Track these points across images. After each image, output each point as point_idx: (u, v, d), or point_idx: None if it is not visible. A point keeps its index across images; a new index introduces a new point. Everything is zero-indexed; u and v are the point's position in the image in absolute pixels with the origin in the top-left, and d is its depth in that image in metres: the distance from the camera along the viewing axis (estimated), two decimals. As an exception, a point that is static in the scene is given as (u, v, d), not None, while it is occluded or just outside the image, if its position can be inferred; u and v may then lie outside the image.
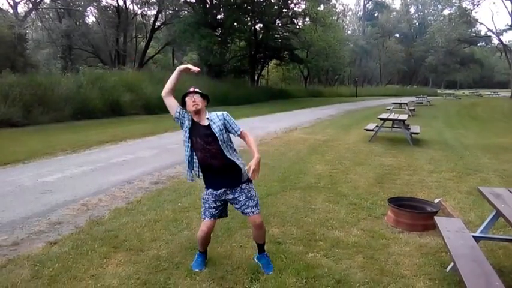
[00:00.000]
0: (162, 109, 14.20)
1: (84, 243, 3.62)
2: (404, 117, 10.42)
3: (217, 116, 2.99)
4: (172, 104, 3.00)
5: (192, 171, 3.07)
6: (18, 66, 22.92)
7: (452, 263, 3.02)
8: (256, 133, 10.93)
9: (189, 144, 2.98)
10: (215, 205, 3.05)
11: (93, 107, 14.61)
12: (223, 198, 3.04)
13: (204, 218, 3.07)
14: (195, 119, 2.98)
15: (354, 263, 3.33)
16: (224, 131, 2.95)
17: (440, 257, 3.47)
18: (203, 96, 3.02)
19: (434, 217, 3.57)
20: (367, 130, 10.46)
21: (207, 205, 3.06)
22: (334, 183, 5.87)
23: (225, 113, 3.02)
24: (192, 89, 3.01)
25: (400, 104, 20.74)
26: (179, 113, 2.99)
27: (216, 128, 2.92)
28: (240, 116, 14.13)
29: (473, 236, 3.08)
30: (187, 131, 2.98)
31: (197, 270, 3.12)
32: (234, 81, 29.94)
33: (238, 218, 4.19)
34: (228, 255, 3.41)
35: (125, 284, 2.91)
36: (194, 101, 2.94)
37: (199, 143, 2.93)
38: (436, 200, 4.76)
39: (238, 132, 3.00)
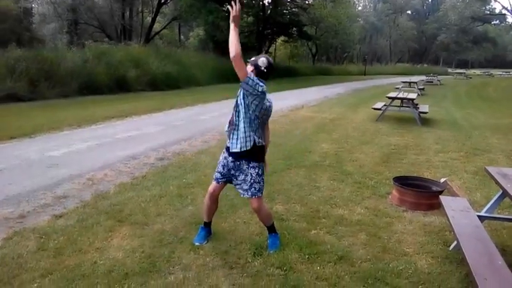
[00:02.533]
0: (168, 85, 14.17)
1: (89, 216, 3.66)
2: (413, 96, 10.29)
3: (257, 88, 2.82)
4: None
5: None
6: (24, 40, 22.90)
7: (455, 242, 3.02)
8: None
9: None
10: (222, 170, 3.08)
11: (99, 83, 14.58)
12: (230, 171, 3.04)
13: (212, 181, 3.17)
14: None
15: (356, 240, 3.35)
16: (244, 98, 2.85)
17: (443, 236, 3.47)
18: (251, 61, 2.99)
19: (439, 196, 3.55)
20: (374, 109, 10.35)
21: (217, 167, 3.12)
22: (339, 161, 5.85)
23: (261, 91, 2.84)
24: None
25: (410, 83, 20.46)
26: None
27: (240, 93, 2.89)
28: (247, 93, 14.04)
29: (478, 216, 3.07)
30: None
31: (198, 243, 3.16)
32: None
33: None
34: (231, 231, 3.44)
35: (129, 257, 2.95)
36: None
37: None
38: (442, 180, 4.73)
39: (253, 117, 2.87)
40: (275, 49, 43.36)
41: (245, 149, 2.90)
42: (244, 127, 2.88)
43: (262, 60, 2.93)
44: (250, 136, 2.89)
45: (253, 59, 2.98)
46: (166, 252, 3.03)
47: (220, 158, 3.11)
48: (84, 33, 30.43)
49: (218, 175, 3.11)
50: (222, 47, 27.01)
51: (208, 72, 21.30)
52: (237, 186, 3.09)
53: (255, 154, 2.96)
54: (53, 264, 2.83)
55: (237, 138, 2.91)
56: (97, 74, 14.70)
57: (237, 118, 2.91)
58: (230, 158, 3.01)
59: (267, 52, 37.19)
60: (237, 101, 2.92)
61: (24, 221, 3.60)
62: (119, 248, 3.08)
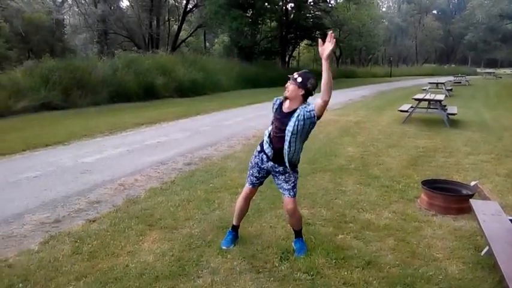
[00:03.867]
0: (194, 92, 14.38)
1: (121, 221, 3.78)
2: (441, 97, 10.07)
3: (305, 112, 2.86)
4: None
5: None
6: (57, 51, 23.80)
7: (487, 247, 2.96)
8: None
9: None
10: (258, 175, 3.16)
11: (128, 90, 14.96)
12: (269, 173, 3.13)
13: (246, 184, 3.24)
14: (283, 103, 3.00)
15: (384, 245, 3.32)
16: (302, 124, 2.86)
17: (475, 241, 3.39)
18: (299, 83, 2.88)
19: (470, 200, 3.48)
20: (401, 111, 10.19)
21: (251, 171, 3.18)
22: (365, 165, 5.80)
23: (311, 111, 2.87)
24: (294, 75, 2.93)
25: (437, 83, 19.99)
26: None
27: (293, 118, 2.87)
28: (270, 99, 14.09)
29: (510, 220, 2.99)
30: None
31: (225, 247, 3.22)
32: (265, 63, 29.69)
33: (269, 199, 4.25)
34: (258, 235, 3.48)
35: (159, 260, 3.03)
36: (286, 87, 2.93)
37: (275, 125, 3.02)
38: (472, 183, 4.62)
39: (313, 114, 2.87)
40: (298, 53, 43.30)
41: (293, 162, 3.01)
42: (300, 148, 2.99)
43: (311, 83, 2.91)
44: (300, 152, 3.02)
45: (299, 79, 2.88)
46: (194, 256, 3.09)
47: (254, 161, 3.14)
48: (114, 42, 31.33)
49: (254, 179, 3.18)
50: (246, 53, 27.37)
51: (233, 77, 21.50)
52: (279, 186, 3.13)
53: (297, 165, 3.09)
54: (87, 267, 2.94)
55: (290, 157, 2.96)
56: (126, 82, 15.09)
57: (292, 144, 2.92)
58: (271, 163, 3.06)
59: (290, 56, 37.18)
60: (295, 131, 2.87)
61: (59, 225, 3.76)
62: (150, 252, 3.17)
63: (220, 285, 2.71)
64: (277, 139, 2.97)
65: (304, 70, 3.02)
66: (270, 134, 3.06)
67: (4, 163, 6.01)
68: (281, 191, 3.13)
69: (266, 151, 3.05)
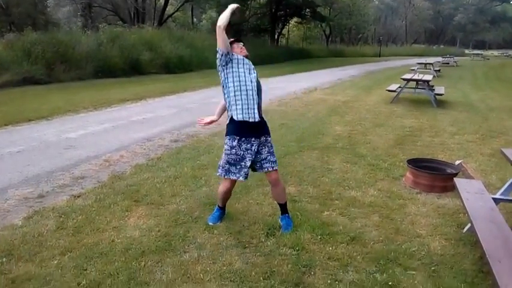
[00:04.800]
0: (181, 68, 14.20)
1: (106, 196, 3.75)
2: (428, 77, 10.10)
3: None
4: (226, 38, 2.97)
5: None
6: (39, 24, 23.06)
7: (469, 224, 3.01)
8: (276, 93, 10.84)
9: None
10: (249, 163, 3.02)
11: (113, 65, 14.68)
12: (256, 155, 3.03)
13: (232, 177, 3.15)
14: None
15: (369, 221, 3.36)
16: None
17: (457, 218, 3.46)
18: None
19: (454, 178, 3.52)
20: (389, 91, 10.22)
21: (242, 164, 3.02)
22: (352, 144, 5.83)
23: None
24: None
25: (425, 64, 20.04)
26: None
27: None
28: (260, 77, 13.97)
29: (492, 198, 3.04)
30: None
31: (212, 223, 3.22)
32: (254, 40, 29.27)
33: (256, 176, 4.22)
34: (245, 211, 3.49)
35: (146, 236, 3.03)
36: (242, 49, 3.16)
37: None
38: (457, 162, 4.69)
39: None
40: (288, 31, 42.80)
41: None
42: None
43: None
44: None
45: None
46: (181, 232, 3.09)
47: (239, 153, 2.98)
48: (98, 16, 30.45)
49: (247, 170, 3.02)
50: (235, 30, 26.88)
51: (221, 54, 21.17)
52: (264, 162, 3.04)
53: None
54: (72, 242, 2.92)
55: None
56: (111, 57, 14.79)
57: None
58: (257, 141, 2.99)
59: (280, 34, 36.75)
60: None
61: (43, 200, 3.71)
62: (136, 227, 3.16)
63: (206, 260, 2.72)
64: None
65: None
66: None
67: (-15, 138, 5.88)
68: (268, 166, 3.05)
69: (250, 120, 2.94)
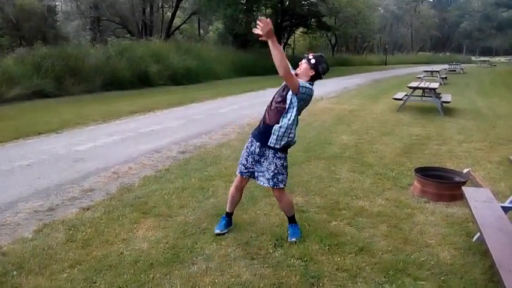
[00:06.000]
0: (189, 80, 14.28)
1: (115, 209, 3.78)
2: (435, 85, 10.09)
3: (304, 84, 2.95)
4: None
5: None
6: (49, 38, 23.44)
7: (478, 233, 2.99)
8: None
9: None
10: (245, 163, 3.13)
11: (122, 78, 14.84)
12: (255, 159, 3.08)
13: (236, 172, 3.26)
14: None
15: (377, 231, 3.35)
16: (298, 103, 2.95)
17: (466, 227, 3.43)
18: (312, 64, 3.01)
19: (462, 187, 3.50)
20: (395, 99, 10.20)
21: (241, 157, 3.18)
22: (359, 153, 5.82)
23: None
24: (309, 55, 3.06)
25: (432, 72, 19.99)
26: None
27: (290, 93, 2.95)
28: (266, 87, 14.05)
29: (501, 206, 3.02)
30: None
31: (218, 231, 3.23)
32: (260, 50, 29.33)
33: (263, 187, 4.25)
34: (252, 222, 3.49)
35: (154, 248, 3.04)
36: (300, 65, 3.06)
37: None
38: (465, 170, 4.66)
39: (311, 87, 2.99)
40: (294, 41, 43.00)
41: (280, 144, 2.98)
42: (292, 127, 2.96)
43: (323, 67, 3.02)
44: (291, 133, 2.98)
45: (313, 61, 2.99)
46: (189, 243, 3.11)
47: (246, 145, 3.17)
48: (107, 30, 30.87)
49: (242, 168, 3.16)
50: (241, 40, 27.12)
51: (228, 65, 21.35)
52: (260, 175, 3.09)
53: (285, 148, 3.04)
54: (81, 255, 2.94)
55: (277, 135, 2.95)
56: (120, 70, 14.96)
57: (283, 118, 2.94)
58: (258, 143, 3.05)
59: (286, 44, 36.92)
60: (288, 106, 2.93)
61: (53, 213, 3.75)
62: (144, 239, 3.18)
63: (214, 272, 2.73)
64: (272, 113, 3.00)
65: (320, 54, 3.11)
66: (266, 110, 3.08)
67: (-4, 151, 5.97)
68: (263, 181, 3.07)
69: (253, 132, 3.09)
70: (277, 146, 2.97)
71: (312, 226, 3.38)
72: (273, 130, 2.95)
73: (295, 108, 2.92)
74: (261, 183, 3.12)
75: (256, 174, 3.13)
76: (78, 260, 2.87)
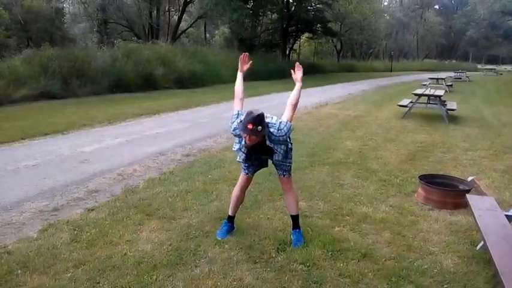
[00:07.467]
0: (194, 83, 14.34)
1: (119, 210, 3.80)
2: (440, 92, 10.08)
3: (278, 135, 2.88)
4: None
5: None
6: (56, 39, 23.67)
7: (482, 241, 2.98)
8: (287, 108, 10.87)
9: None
10: (247, 164, 3.18)
11: (128, 81, 14.89)
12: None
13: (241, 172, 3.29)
14: None
15: (381, 238, 3.35)
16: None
17: (470, 235, 3.42)
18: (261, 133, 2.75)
19: (466, 195, 3.50)
20: (400, 106, 10.20)
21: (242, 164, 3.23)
22: (364, 159, 5.82)
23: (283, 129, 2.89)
24: (250, 127, 2.67)
25: (437, 79, 19.96)
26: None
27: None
28: (271, 91, 14.09)
29: (506, 215, 3.02)
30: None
31: (220, 238, 3.24)
32: (265, 55, 29.55)
33: (267, 191, 4.28)
34: (255, 226, 3.50)
35: (157, 250, 3.06)
36: (249, 139, 2.75)
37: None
38: (469, 178, 4.64)
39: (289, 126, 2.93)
40: (299, 46, 43.10)
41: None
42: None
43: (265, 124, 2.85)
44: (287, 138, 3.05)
45: (260, 128, 2.71)
46: (192, 246, 3.12)
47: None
48: (114, 32, 31.13)
49: (249, 167, 3.21)
50: (246, 45, 27.21)
51: (233, 69, 21.15)
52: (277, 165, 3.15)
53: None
54: (86, 255, 2.96)
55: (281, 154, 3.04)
56: (126, 72, 15.02)
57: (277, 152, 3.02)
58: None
59: (291, 49, 37.02)
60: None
61: (58, 213, 3.78)
62: (148, 241, 3.20)
63: (217, 275, 2.74)
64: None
65: (257, 114, 2.71)
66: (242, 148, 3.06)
67: (3, 151, 6.02)
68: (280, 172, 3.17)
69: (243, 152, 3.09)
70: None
71: (315, 231, 3.38)
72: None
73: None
74: (274, 160, 3.08)
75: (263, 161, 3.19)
76: (82, 260, 2.89)
